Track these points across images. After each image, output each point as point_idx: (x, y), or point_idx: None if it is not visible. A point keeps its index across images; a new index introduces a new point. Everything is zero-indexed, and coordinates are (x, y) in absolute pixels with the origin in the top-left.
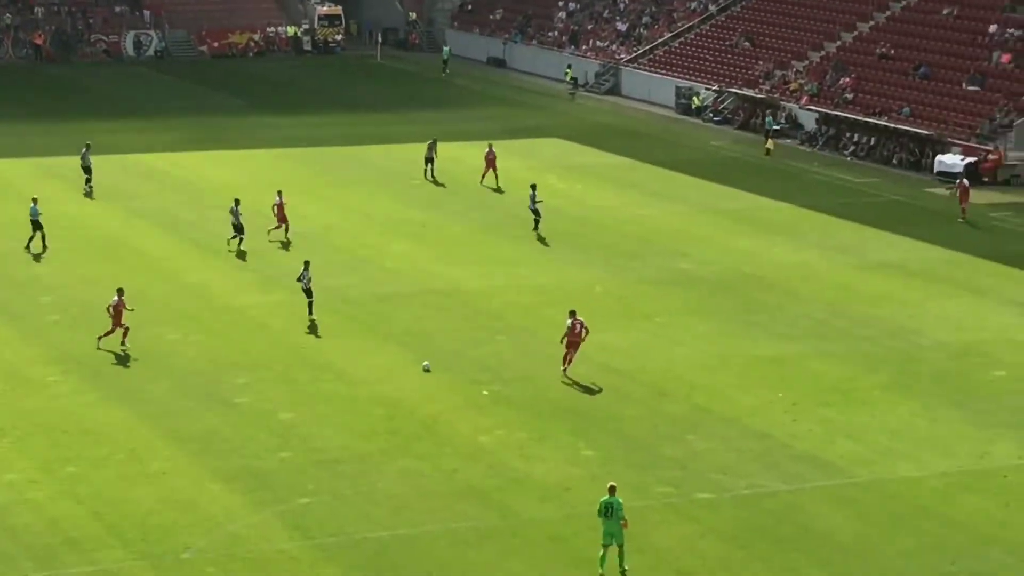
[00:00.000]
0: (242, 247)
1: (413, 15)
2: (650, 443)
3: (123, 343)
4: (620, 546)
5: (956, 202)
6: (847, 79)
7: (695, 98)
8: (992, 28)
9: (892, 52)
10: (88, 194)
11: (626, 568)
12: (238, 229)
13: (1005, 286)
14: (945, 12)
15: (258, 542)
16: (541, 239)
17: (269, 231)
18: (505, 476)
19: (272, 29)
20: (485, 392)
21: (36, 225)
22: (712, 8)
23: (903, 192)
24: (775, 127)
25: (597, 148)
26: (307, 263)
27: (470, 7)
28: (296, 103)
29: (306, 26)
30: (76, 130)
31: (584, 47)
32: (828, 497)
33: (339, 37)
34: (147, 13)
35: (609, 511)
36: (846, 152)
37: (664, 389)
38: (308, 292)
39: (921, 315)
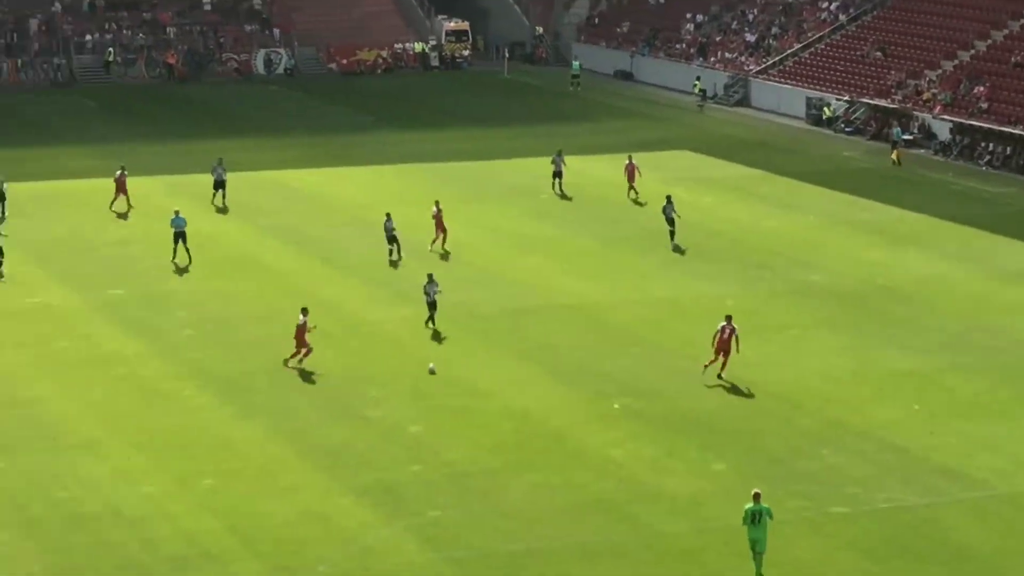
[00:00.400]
0: (398, 257)
1: (540, 29)
2: (783, 457)
3: (300, 361)
4: (760, 554)
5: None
6: (981, 88)
7: (826, 109)
8: None
9: None
10: (222, 209)
11: (762, 574)
12: (392, 241)
13: None
14: None
15: (390, 555)
16: (677, 249)
17: (431, 243)
18: (635, 490)
19: (400, 46)
20: (616, 405)
21: (179, 236)
22: (842, 18)
23: None
24: (904, 137)
25: (726, 160)
26: (431, 276)
27: (597, 20)
28: (424, 119)
29: (433, 42)
30: (207, 148)
31: (712, 59)
32: (966, 510)
33: (466, 52)
34: (276, 31)
35: (756, 518)
36: (981, 162)
37: (797, 402)
38: (433, 305)
39: None
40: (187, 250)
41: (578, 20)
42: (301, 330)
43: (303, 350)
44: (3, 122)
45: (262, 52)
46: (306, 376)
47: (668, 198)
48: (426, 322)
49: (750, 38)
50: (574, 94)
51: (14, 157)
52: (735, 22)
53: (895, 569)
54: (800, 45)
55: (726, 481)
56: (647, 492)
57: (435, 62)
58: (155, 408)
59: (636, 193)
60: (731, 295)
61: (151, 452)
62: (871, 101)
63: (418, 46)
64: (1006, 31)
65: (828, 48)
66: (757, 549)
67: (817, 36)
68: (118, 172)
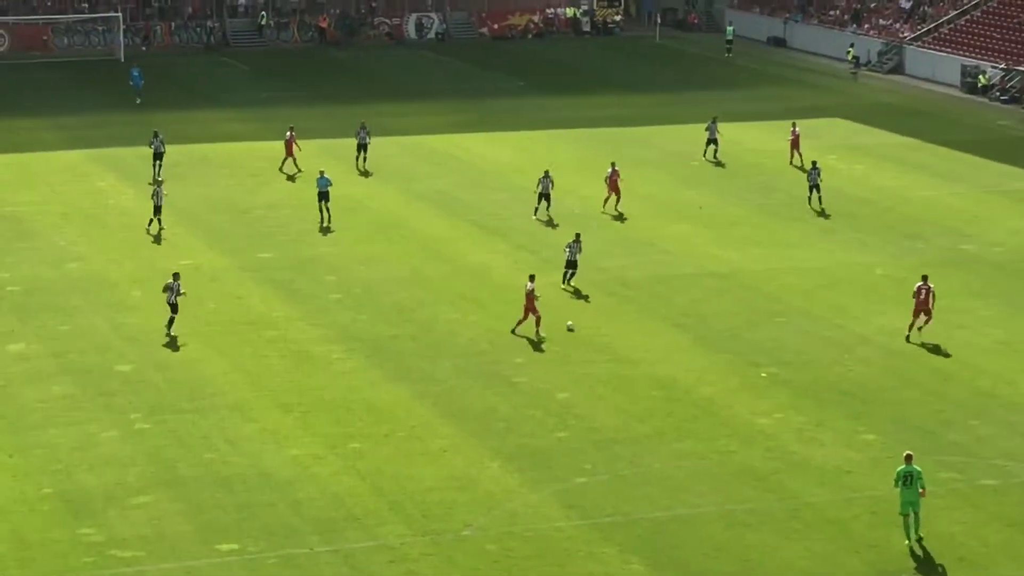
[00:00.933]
0: (546, 217)
1: None
2: (932, 428)
3: (537, 332)
4: (916, 514)
5: None
6: None
7: (981, 77)
8: None
9: None
10: (364, 173)
11: (921, 536)
12: (542, 199)
13: None
14: None
15: (536, 520)
16: (822, 213)
17: (604, 203)
18: (783, 459)
19: (551, 11)
20: (763, 374)
21: (323, 196)
22: None
23: None
24: None
25: (879, 128)
26: (578, 235)
27: None
28: (575, 84)
29: (585, 7)
30: (358, 112)
31: (866, 26)
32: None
33: (618, 18)
34: None
35: (909, 480)
36: None
37: (947, 373)
38: (572, 264)
39: None
40: (328, 210)
41: None
42: (530, 297)
43: (532, 315)
44: (158, 84)
45: (413, 16)
46: (454, 342)
47: (814, 163)
48: (564, 279)
49: (905, 5)
50: (727, 60)
51: (168, 119)
52: None
53: None
54: (956, 12)
55: (874, 451)
56: (794, 461)
57: (586, 27)
58: (303, 371)
59: (801, 159)
60: (881, 264)
61: (299, 414)
62: None
63: (569, 11)
64: None
65: (984, 15)
66: (914, 509)
67: (973, 3)
68: (288, 133)
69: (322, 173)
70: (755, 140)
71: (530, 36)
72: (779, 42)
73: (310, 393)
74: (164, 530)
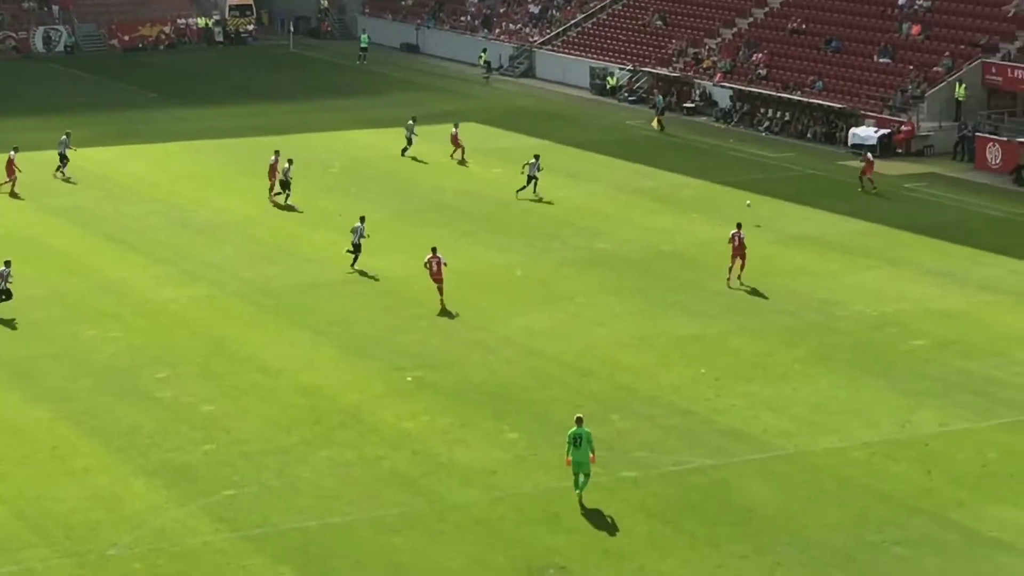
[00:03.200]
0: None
1: (325, 3)
2: (574, 424)
3: (441, 301)
4: (586, 475)
5: (859, 174)
6: (760, 55)
7: (609, 78)
8: (901, 0)
9: (803, 27)
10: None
11: (581, 496)
12: (284, 186)
13: (921, 256)
14: None
15: (184, 536)
16: (540, 201)
17: (451, 155)
18: (430, 462)
19: (183, 21)
20: (409, 378)
21: None
22: None
23: (818, 166)
24: (661, 105)
25: (514, 131)
26: (362, 218)
27: None
28: (209, 95)
29: (217, 17)
30: None
31: (497, 30)
32: (753, 471)
33: (250, 27)
34: (56, 8)
35: (578, 441)
36: (761, 128)
37: (586, 369)
38: (357, 247)
39: (839, 287)
40: None
41: None
42: (433, 265)
43: (437, 284)
44: None
45: (41, 29)
46: (94, 359)
47: (536, 156)
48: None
49: (534, 9)
50: (361, 67)
51: None
52: None
53: (685, 530)
54: (583, 16)
55: (519, 450)
56: (441, 463)
57: (219, 37)
58: None
59: (463, 155)
60: (520, 264)
61: None
62: (653, 70)
63: (201, 21)
64: None
65: (610, 18)
66: (583, 471)
67: (599, 6)
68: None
69: None
70: (392, 146)
71: (162, 47)
72: (412, 48)
73: None
74: None
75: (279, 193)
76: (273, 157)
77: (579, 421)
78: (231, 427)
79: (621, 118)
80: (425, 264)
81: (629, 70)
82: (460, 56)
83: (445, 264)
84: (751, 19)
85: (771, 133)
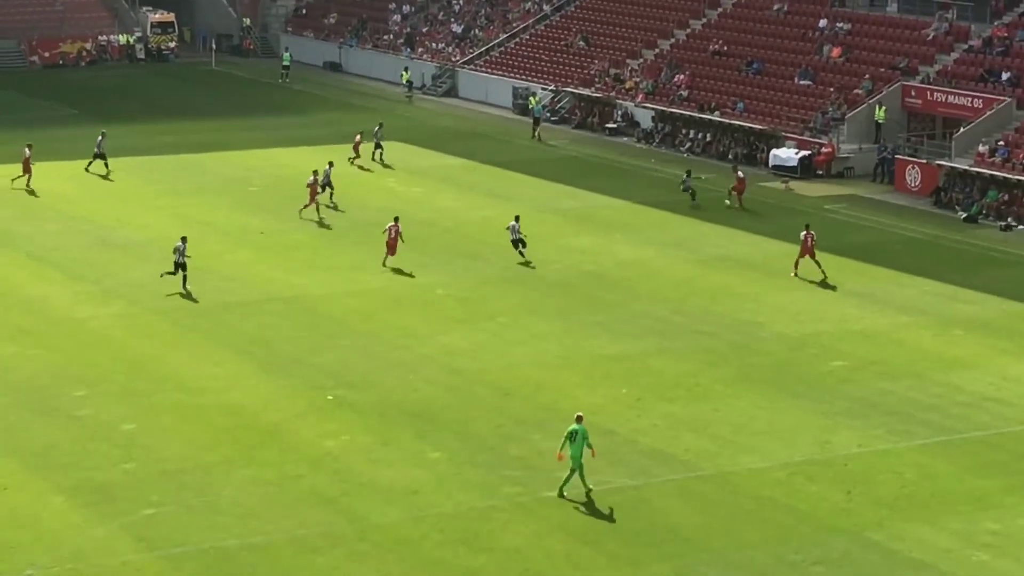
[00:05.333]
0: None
1: (247, 21)
2: (496, 443)
3: (385, 262)
4: (580, 469)
5: (784, 193)
6: (681, 76)
7: (532, 98)
8: (822, 23)
9: (725, 48)
10: None
11: (590, 488)
12: (326, 187)
13: (841, 277)
14: (776, 8)
15: (103, 555)
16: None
17: (302, 209)
18: (351, 481)
19: (104, 38)
20: (330, 397)
21: None
22: (546, 8)
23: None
24: (540, 115)
25: (436, 150)
26: (184, 239)
27: (304, 11)
28: (130, 112)
29: (139, 34)
30: None
31: (420, 49)
32: (674, 491)
33: (172, 44)
34: None
35: (574, 437)
36: (682, 148)
37: (508, 389)
38: (182, 266)
39: (760, 308)
40: None
41: (285, 11)
42: (392, 233)
43: (389, 250)
44: None
45: None
46: (12, 377)
47: (516, 217)
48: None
49: (456, 29)
50: (283, 86)
51: None
52: (441, 13)
53: (606, 550)
54: (506, 35)
55: (441, 469)
56: (362, 483)
57: (141, 54)
58: None
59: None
60: (441, 284)
61: None
62: (575, 90)
63: (123, 38)
64: (704, 20)
65: (533, 38)
66: (575, 465)
67: (522, 26)
68: None
69: None
70: (313, 165)
71: (83, 64)
72: (335, 67)
73: None
74: None
75: (307, 206)
76: (312, 177)
77: (579, 419)
78: (151, 446)
79: (543, 138)
80: (384, 230)
81: (552, 90)
82: (383, 75)
83: (401, 239)
84: (673, 40)
85: (692, 154)
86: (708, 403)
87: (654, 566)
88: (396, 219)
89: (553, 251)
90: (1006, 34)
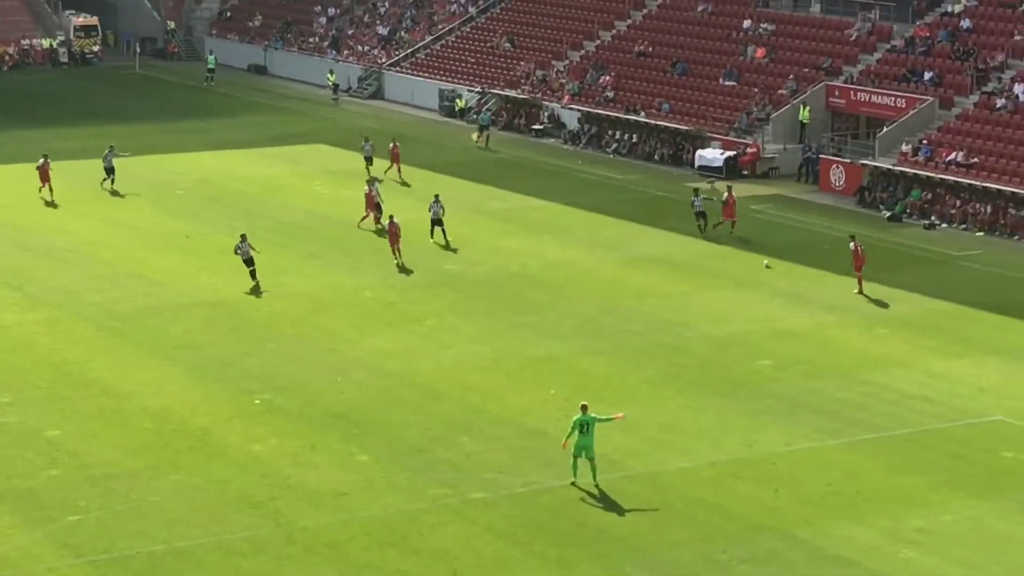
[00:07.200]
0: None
1: (171, 24)
2: (424, 446)
3: (361, 223)
4: (591, 459)
5: (719, 197)
6: (607, 77)
7: (458, 100)
8: (746, 23)
9: (650, 50)
10: None
11: (598, 482)
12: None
13: (767, 277)
14: (700, 9)
15: (28, 563)
16: (447, 247)
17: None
18: (279, 485)
19: (27, 42)
20: (257, 401)
21: None
22: (472, 10)
23: (665, 187)
24: (484, 123)
25: (362, 152)
26: (244, 235)
27: (229, 15)
28: (54, 116)
29: (62, 38)
30: None
31: (346, 51)
32: (602, 491)
33: (96, 48)
34: None
35: (585, 427)
36: (609, 150)
37: (437, 392)
38: (249, 261)
39: (687, 308)
40: None
41: (210, 15)
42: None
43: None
44: None
45: None
46: None
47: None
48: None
49: (382, 31)
50: (209, 89)
51: None
52: (367, 15)
53: (535, 552)
54: (431, 37)
55: (368, 472)
56: (290, 486)
57: (64, 58)
58: None
59: (399, 173)
60: (369, 286)
61: None
62: (502, 92)
63: (46, 42)
64: (629, 21)
65: (459, 40)
66: (588, 455)
67: (448, 28)
68: None
69: None
70: (238, 167)
71: (6, 68)
72: (261, 69)
73: None
74: None
75: (365, 217)
76: (367, 187)
77: (584, 408)
78: (77, 451)
79: (470, 140)
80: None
81: (478, 92)
82: (308, 77)
83: (399, 235)
84: (598, 42)
85: (619, 155)
86: (636, 403)
87: (583, 566)
88: (391, 217)
89: (481, 252)
90: (928, 34)
